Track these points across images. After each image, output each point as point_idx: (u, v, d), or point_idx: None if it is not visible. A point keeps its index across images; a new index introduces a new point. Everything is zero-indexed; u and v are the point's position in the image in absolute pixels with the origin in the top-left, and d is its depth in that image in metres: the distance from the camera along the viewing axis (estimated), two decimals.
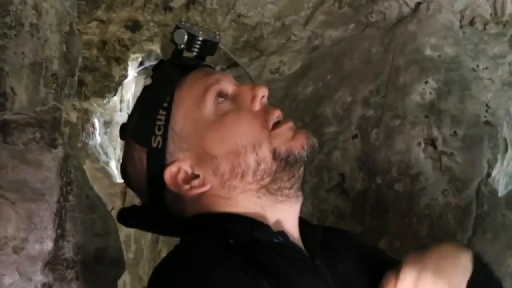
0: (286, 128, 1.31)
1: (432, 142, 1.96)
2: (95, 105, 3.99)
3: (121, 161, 1.42)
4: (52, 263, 1.43)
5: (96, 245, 1.52)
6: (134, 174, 1.32)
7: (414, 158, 1.93)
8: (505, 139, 3.99)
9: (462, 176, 1.92)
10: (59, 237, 1.45)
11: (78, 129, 3.91)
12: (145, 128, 1.27)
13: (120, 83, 3.96)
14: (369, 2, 2.44)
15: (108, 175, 3.80)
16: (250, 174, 1.26)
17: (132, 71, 4.16)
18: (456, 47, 2.16)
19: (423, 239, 1.83)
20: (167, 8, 2.86)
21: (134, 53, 3.76)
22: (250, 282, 1.07)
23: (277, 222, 1.29)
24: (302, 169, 1.32)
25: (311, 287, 1.23)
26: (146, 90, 1.37)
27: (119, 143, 4.32)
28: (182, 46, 1.35)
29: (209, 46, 1.38)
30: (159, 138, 1.25)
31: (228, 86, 1.32)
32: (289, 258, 1.22)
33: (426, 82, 2.05)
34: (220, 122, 1.27)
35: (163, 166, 1.26)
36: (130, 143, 1.31)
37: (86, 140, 3.99)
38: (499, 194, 3.39)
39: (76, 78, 1.68)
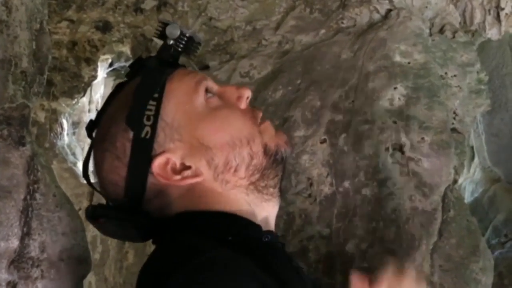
0: (269, 124, 1.36)
1: (400, 148, 1.97)
2: (63, 105, 3.97)
3: (88, 154, 1.38)
4: (18, 261, 1.41)
5: (62, 243, 1.50)
6: (112, 165, 1.29)
7: (381, 163, 1.94)
8: (472, 147, 4.06)
9: (429, 181, 1.93)
10: (25, 235, 1.43)
11: (46, 129, 3.88)
12: (134, 117, 1.25)
13: (89, 84, 3.95)
14: (340, 8, 2.45)
15: (76, 176, 3.77)
16: (243, 168, 1.28)
17: (102, 72, 4.16)
18: (425, 54, 2.18)
19: (389, 243, 1.83)
20: (138, 10, 2.85)
21: (104, 54, 3.75)
22: (264, 279, 1.07)
23: (263, 221, 1.31)
24: (282, 170, 1.35)
25: (299, 284, 1.27)
26: (127, 84, 1.35)
27: (87, 144, 4.30)
28: (172, 42, 1.35)
29: (195, 45, 1.39)
30: (147, 128, 1.24)
31: (213, 84, 1.34)
32: (277, 256, 1.24)
33: (395, 88, 2.06)
34: (213, 115, 1.29)
35: (149, 156, 1.25)
36: (111, 132, 1.28)
37: (54, 140, 3.96)
38: (466, 201, 3.43)
39: (45, 76, 1.67)
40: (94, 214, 1.32)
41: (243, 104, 1.34)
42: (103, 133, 1.32)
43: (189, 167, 1.25)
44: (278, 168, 1.33)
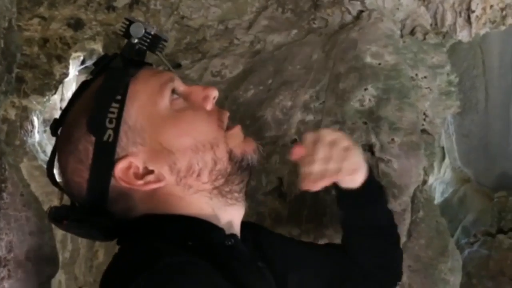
0: (238, 130, 1.34)
1: (370, 148, 1.98)
2: (34, 102, 3.93)
3: (52, 154, 1.35)
4: None
5: (30, 243, 1.50)
6: (75, 168, 1.26)
7: None
8: (443, 148, 4.09)
9: (399, 182, 1.94)
10: None
11: (16, 127, 3.85)
12: (96, 120, 1.22)
13: (60, 81, 3.91)
14: (312, 8, 2.46)
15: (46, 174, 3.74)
16: (206, 173, 1.26)
17: (73, 69, 4.13)
18: (396, 56, 2.18)
19: None
20: (110, 8, 2.83)
21: (75, 51, 3.72)
22: (221, 284, 1.07)
23: (227, 225, 1.31)
24: (249, 175, 1.35)
25: (262, 286, 1.27)
26: (92, 82, 1.31)
27: None
28: (136, 40, 1.33)
29: (160, 42, 1.37)
30: (110, 131, 1.21)
31: (180, 84, 1.32)
32: (239, 260, 1.24)
33: (365, 89, 2.07)
34: (177, 118, 1.26)
35: (112, 160, 1.22)
36: (74, 135, 1.25)
37: (25, 138, 3.93)
38: (436, 201, 3.45)
39: (13, 75, 1.66)
40: (57, 215, 1.29)
41: (209, 105, 1.32)
42: (67, 135, 1.29)
43: (151, 172, 1.24)
44: (244, 174, 1.32)
